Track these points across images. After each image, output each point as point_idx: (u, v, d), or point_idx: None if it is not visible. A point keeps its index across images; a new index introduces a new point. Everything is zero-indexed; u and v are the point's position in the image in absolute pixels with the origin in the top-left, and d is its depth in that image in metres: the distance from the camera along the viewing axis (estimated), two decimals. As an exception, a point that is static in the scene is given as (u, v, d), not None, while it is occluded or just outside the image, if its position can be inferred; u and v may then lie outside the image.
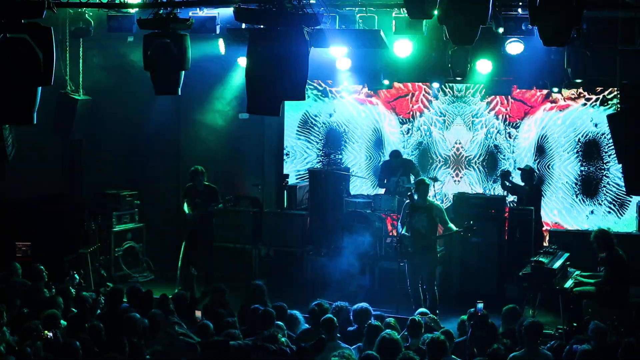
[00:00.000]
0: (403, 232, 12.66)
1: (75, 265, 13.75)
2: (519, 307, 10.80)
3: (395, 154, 15.90)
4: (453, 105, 16.91)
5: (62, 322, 10.16)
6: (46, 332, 8.95)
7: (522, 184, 14.88)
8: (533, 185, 14.85)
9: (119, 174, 15.71)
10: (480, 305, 9.47)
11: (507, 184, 15.01)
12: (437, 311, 12.10)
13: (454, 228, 12.64)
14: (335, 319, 9.47)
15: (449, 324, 10.94)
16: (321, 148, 17.74)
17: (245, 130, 17.00)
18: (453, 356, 9.00)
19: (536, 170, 15.54)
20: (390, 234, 15.25)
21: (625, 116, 11.02)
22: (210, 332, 9.26)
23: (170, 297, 10.74)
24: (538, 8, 8.62)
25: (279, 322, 9.84)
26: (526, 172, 14.88)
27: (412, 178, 15.32)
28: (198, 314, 11.04)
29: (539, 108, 16.37)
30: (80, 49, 14.38)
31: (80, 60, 14.55)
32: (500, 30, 12.23)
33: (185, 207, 14.14)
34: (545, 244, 14.36)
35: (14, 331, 9.83)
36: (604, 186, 15.99)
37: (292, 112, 17.75)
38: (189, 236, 14.23)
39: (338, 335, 9.68)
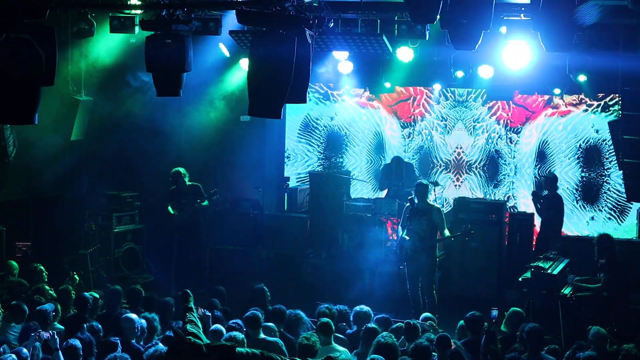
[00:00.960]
0: (403, 235, 12.65)
1: (75, 265, 13.74)
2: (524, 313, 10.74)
3: (396, 160, 15.85)
4: (454, 109, 16.92)
5: (58, 325, 10.16)
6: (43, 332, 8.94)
7: (545, 191, 14.67)
8: (556, 192, 14.67)
9: (119, 175, 15.70)
10: (494, 312, 9.45)
11: (539, 205, 14.76)
12: (437, 315, 12.08)
13: (447, 234, 12.66)
14: (331, 322, 9.45)
15: (448, 328, 10.93)
16: (322, 151, 17.75)
17: (246, 132, 17.00)
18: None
19: (559, 178, 15.33)
20: (390, 237, 15.25)
21: (627, 123, 11.04)
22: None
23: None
24: (540, 14, 8.62)
25: (269, 324, 9.84)
26: (549, 180, 14.65)
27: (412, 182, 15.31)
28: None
29: (540, 113, 16.37)
30: (83, 49, 14.37)
31: (82, 61, 14.54)
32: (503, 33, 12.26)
33: (170, 210, 14.27)
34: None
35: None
36: (605, 192, 15.99)
37: (294, 115, 17.76)
38: (179, 237, 14.32)
39: (343, 337, 9.69)
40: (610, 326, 10.92)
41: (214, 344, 7.49)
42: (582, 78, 13.76)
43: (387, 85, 15.69)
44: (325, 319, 9.50)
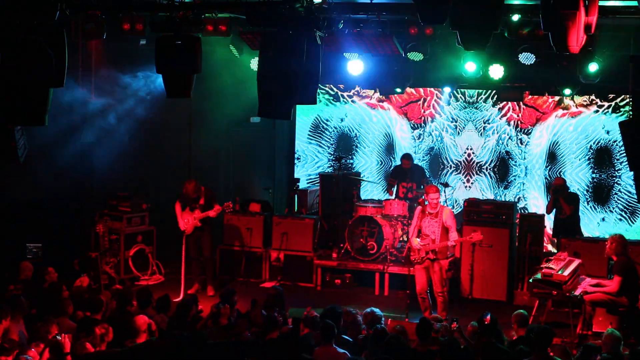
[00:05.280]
0: (413, 237, 12.63)
1: (85, 266, 13.76)
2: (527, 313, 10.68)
3: (406, 156, 15.76)
4: (465, 110, 16.90)
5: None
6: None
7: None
8: (568, 193, 14.52)
9: (130, 177, 15.73)
10: (487, 315, 9.44)
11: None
12: (447, 316, 12.05)
13: (458, 236, 12.64)
14: (333, 324, 9.35)
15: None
16: (332, 152, 17.75)
17: (256, 133, 17.02)
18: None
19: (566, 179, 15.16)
20: (400, 239, 15.23)
21: (638, 123, 10.98)
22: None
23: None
24: (551, 15, 8.61)
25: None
26: (558, 187, 14.47)
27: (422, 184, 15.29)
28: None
29: (551, 114, 16.34)
30: (93, 51, 14.40)
31: (92, 63, 14.57)
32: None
33: (178, 215, 14.21)
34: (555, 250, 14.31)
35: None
36: (616, 193, 15.94)
37: (304, 116, 17.76)
38: (189, 239, 14.27)
39: (347, 339, 9.65)
40: (622, 327, 10.87)
41: (178, 337, 7.68)
42: (593, 67, 13.54)
43: (398, 90, 15.64)
44: (326, 321, 9.40)
